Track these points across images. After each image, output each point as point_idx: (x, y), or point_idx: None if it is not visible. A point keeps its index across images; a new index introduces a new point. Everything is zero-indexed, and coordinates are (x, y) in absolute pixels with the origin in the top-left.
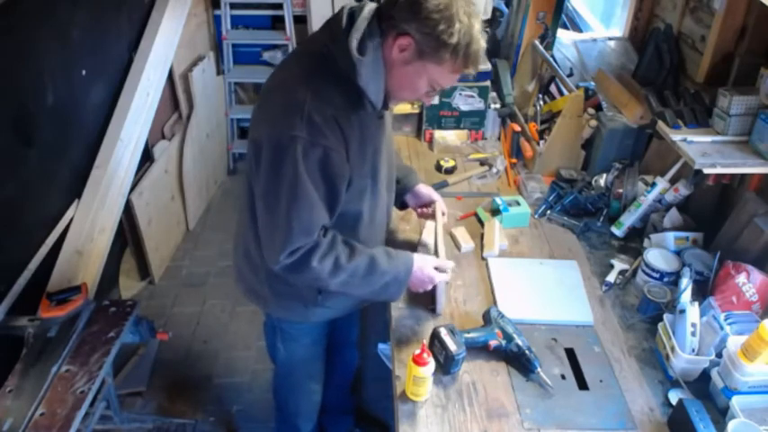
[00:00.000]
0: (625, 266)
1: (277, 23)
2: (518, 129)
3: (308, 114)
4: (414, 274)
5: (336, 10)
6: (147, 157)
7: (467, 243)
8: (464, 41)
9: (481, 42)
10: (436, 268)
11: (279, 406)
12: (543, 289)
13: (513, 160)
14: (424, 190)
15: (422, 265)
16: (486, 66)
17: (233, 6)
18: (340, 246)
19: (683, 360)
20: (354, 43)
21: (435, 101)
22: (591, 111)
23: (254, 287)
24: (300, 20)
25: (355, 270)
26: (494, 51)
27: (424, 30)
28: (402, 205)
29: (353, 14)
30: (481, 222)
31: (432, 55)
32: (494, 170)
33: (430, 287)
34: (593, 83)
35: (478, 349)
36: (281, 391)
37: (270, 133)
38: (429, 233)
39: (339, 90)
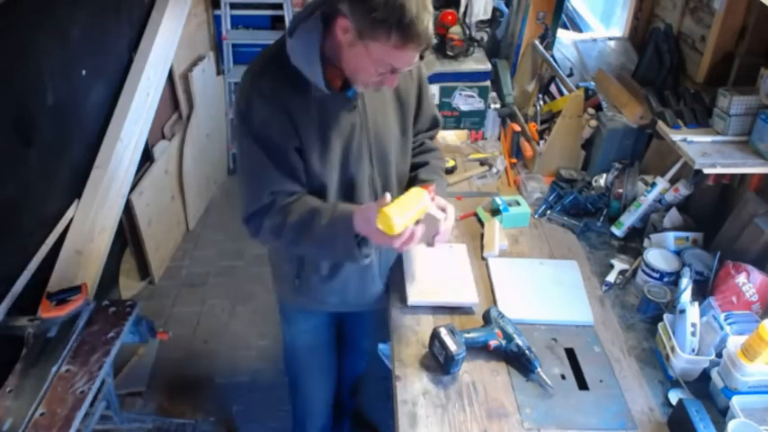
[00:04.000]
0: (625, 266)
1: (277, 23)
2: (518, 129)
3: (253, 94)
4: (356, 220)
5: None
6: (147, 157)
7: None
8: (395, 16)
9: (415, 12)
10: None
11: (291, 401)
12: (543, 289)
13: (513, 160)
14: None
15: (364, 210)
16: (485, 66)
17: (233, 6)
18: (290, 209)
19: (683, 360)
20: (288, 23)
21: (435, 101)
22: (591, 111)
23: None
24: None
25: (297, 224)
26: (494, 51)
27: (355, 9)
28: None
29: None
30: (481, 222)
31: (369, 34)
32: (494, 170)
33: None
34: (593, 83)
35: (478, 349)
36: (290, 375)
37: (234, 113)
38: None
39: (291, 73)
